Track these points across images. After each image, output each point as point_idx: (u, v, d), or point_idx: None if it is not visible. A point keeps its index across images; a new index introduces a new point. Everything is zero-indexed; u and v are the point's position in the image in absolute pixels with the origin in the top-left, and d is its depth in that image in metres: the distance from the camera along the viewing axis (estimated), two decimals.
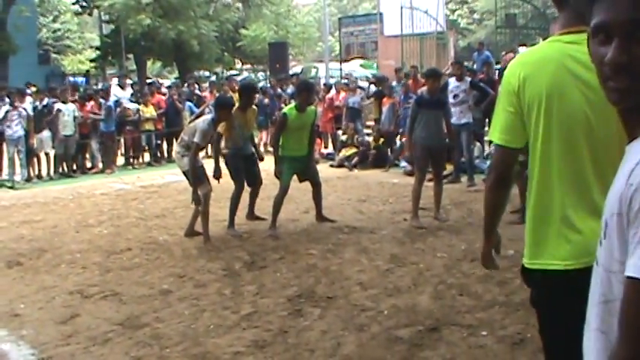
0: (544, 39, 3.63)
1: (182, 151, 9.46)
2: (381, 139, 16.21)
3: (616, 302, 1.43)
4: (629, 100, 1.50)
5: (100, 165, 17.36)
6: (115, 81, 24.57)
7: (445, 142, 10.50)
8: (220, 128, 9.48)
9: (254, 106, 10.48)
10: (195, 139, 9.00)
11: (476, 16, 53.39)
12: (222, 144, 9.91)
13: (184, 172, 9.50)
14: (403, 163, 14.91)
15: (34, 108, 16.55)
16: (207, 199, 9.20)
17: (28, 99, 16.96)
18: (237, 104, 9.89)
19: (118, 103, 18.16)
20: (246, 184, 9.92)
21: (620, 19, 1.48)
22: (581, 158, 2.61)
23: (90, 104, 17.33)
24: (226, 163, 9.80)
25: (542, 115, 2.68)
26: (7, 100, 15.99)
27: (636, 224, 1.36)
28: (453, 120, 12.68)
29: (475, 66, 20.51)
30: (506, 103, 2.81)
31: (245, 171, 9.83)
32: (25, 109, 15.72)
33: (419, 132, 10.12)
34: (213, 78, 25.65)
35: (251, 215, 10.32)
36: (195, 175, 9.10)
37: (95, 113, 17.07)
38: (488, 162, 13.75)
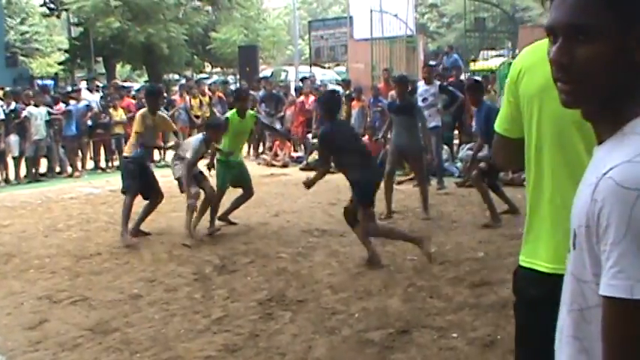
0: (512, 43, 3.67)
1: (176, 161, 9.89)
2: None
3: (591, 310, 1.44)
4: (576, 102, 1.53)
5: (69, 169, 17.24)
6: (84, 84, 24.37)
7: (419, 145, 10.57)
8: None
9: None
10: (187, 155, 9.42)
11: (445, 19, 53.59)
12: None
13: (176, 179, 9.85)
14: None
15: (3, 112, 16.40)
16: (193, 206, 9.66)
17: None
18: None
19: (89, 107, 18.02)
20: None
21: (563, 21, 1.51)
22: (575, 151, 2.62)
23: (57, 107, 17.24)
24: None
25: (535, 108, 2.70)
26: None
27: (605, 240, 1.37)
28: (434, 124, 12.77)
29: (442, 70, 20.62)
30: (508, 93, 2.85)
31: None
32: None
33: (392, 136, 10.29)
34: (183, 81, 25.49)
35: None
36: (185, 185, 9.53)
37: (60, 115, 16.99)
38: (458, 164, 13.85)
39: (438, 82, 13.40)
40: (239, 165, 10.22)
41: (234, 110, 10.26)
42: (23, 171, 16.60)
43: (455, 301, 6.46)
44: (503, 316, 5.76)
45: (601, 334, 1.39)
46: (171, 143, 10.90)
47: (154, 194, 9.97)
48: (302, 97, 19.17)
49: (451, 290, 6.78)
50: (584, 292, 1.47)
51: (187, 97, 19.54)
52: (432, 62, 19.47)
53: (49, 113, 16.64)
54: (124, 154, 10.16)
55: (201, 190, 9.70)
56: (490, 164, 9.32)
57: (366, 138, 15.36)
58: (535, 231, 2.72)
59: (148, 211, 10.01)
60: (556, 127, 2.65)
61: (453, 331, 5.64)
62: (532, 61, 2.75)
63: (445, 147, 14.44)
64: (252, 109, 12.17)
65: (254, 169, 13.01)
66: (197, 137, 9.97)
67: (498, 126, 2.91)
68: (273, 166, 16.94)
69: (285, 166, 17.00)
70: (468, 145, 13.51)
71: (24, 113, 16.13)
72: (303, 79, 22.56)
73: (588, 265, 1.44)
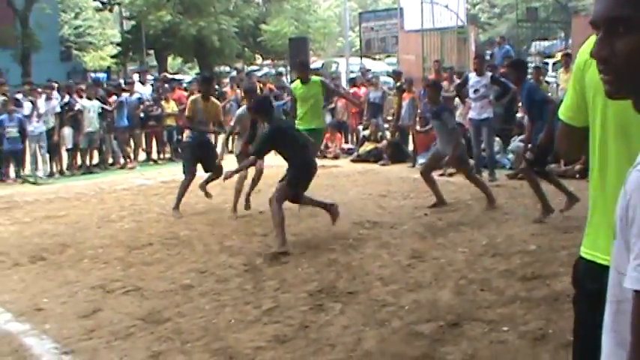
0: (566, 33, 3.62)
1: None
2: (396, 134, 16.21)
3: (626, 302, 1.42)
4: (618, 93, 1.55)
5: (122, 160, 17.45)
6: (136, 77, 24.62)
7: (451, 148, 10.41)
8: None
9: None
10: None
11: (496, 10, 53.07)
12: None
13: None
14: (421, 160, 14.85)
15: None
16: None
17: (55, 94, 17.01)
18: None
19: (141, 99, 18.22)
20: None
21: (604, 14, 1.52)
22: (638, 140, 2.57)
23: (110, 100, 17.46)
24: None
25: (600, 99, 2.66)
26: (29, 98, 16.17)
27: (632, 232, 1.37)
28: (474, 115, 12.68)
29: (495, 60, 20.42)
30: (574, 80, 2.81)
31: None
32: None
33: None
34: (234, 74, 25.60)
35: None
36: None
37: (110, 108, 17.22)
38: (510, 156, 13.71)
39: (490, 74, 13.26)
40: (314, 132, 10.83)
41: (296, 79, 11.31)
42: (77, 163, 16.86)
43: (506, 294, 6.39)
44: (555, 309, 5.69)
45: (630, 327, 1.38)
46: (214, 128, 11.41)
47: (214, 169, 10.94)
48: (354, 89, 19.13)
49: (502, 283, 6.71)
50: (621, 283, 1.44)
51: (238, 90, 19.61)
52: (486, 53, 19.21)
53: (102, 106, 16.86)
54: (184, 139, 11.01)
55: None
56: (536, 153, 9.19)
57: (418, 129, 15.31)
58: (596, 222, 2.67)
59: (209, 179, 11.08)
60: (621, 118, 2.60)
61: (504, 325, 5.58)
62: None
63: (497, 139, 14.31)
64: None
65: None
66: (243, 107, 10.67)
67: (562, 113, 2.87)
68: (325, 157, 16.92)
69: (336, 157, 16.98)
70: (520, 137, 13.36)
71: (77, 106, 16.38)
72: (363, 71, 22.47)
73: (625, 256, 1.43)
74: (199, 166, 11.05)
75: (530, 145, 10.00)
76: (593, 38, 2.90)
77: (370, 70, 23.12)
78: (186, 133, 11.24)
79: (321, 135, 12.38)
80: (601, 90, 2.65)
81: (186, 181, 10.95)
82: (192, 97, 11.40)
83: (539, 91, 9.57)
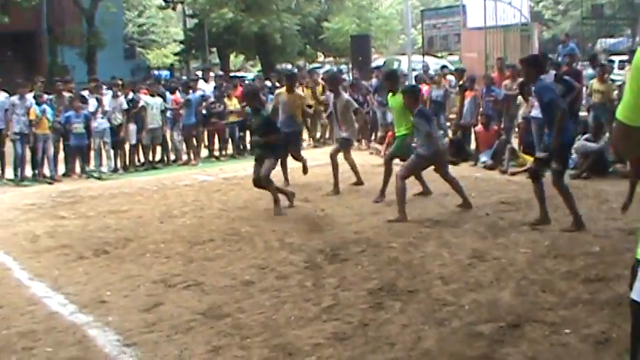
0: (632, 30, 3.56)
1: None
2: (458, 132, 16.08)
3: None
4: None
5: (184, 157, 17.63)
6: (199, 74, 24.87)
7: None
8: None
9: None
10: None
11: (561, 7, 52.27)
12: None
13: None
14: (483, 158, 14.72)
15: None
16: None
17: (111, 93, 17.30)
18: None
19: (204, 97, 18.37)
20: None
21: None
22: None
23: (174, 97, 17.66)
24: None
25: None
26: (94, 95, 16.46)
27: None
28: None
29: (560, 59, 20.12)
30: (631, 80, 2.76)
31: None
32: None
33: None
34: (296, 71, 25.71)
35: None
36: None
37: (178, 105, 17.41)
38: (574, 155, 13.50)
39: (553, 72, 13.06)
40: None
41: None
42: (140, 159, 17.10)
43: (568, 296, 6.30)
44: (619, 313, 5.58)
45: None
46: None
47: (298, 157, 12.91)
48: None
49: (565, 285, 6.61)
50: None
51: (300, 87, 19.65)
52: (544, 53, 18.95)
53: (164, 103, 17.09)
54: None
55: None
56: (550, 152, 8.96)
57: (479, 127, 15.17)
58: None
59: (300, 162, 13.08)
60: None
61: (566, 327, 5.50)
62: None
63: None
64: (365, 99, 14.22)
65: (366, 159, 13.01)
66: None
67: (620, 113, 2.81)
68: (384, 155, 16.83)
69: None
70: (585, 136, 13.16)
71: (141, 103, 16.61)
72: (442, 67, 22.32)
73: None
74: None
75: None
76: None
77: (445, 67, 22.85)
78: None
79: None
80: None
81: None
82: (277, 91, 13.44)
83: (548, 89, 9.18)
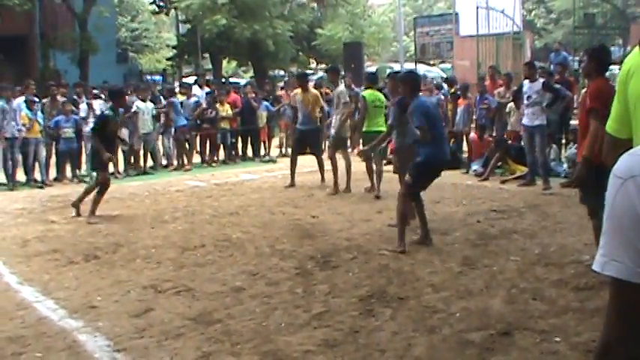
0: (624, 40, 3.59)
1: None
2: (452, 140, 16.10)
3: None
4: None
5: (175, 162, 17.63)
6: (193, 80, 24.87)
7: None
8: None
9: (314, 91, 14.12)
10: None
11: (553, 15, 52.50)
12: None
13: None
14: (475, 166, 14.76)
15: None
16: None
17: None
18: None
19: (198, 102, 18.39)
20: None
21: None
22: None
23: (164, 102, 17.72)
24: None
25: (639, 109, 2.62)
26: (82, 99, 16.46)
27: None
28: (526, 121, 12.59)
29: (552, 67, 20.18)
30: (618, 92, 2.79)
31: None
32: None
33: None
34: (307, 72, 25.76)
35: None
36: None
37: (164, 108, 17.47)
38: (564, 165, 13.54)
39: (542, 80, 13.14)
40: None
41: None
42: (131, 164, 17.08)
43: (558, 304, 6.32)
44: None
45: None
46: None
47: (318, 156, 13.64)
48: None
49: (555, 293, 6.63)
50: None
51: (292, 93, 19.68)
52: (536, 62, 19.02)
53: (155, 108, 17.12)
54: None
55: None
56: None
57: (473, 136, 15.21)
58: None
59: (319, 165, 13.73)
60: None
61: (556, 335, 5.51)
62: (638, 63, 2.67)
63: (553, 146, 14.17)
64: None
65: (357, 165, 13.01)
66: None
67: (609, 126, 2.84)
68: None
69: (389, 163, 16.89)
70: (576, 145, 13.20)
71: (133, 108, 16.60)
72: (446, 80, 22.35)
73: None
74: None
75: None
76: (636, 49, 2.86)
77: (432, 78, 22.93)
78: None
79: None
80: None
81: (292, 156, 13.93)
82: (293, 91, 14.71)
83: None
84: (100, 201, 11.14)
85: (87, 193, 11.40)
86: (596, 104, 6.70)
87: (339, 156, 12.88)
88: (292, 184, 13.51)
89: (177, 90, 19.73)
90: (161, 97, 18.13)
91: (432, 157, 8.56)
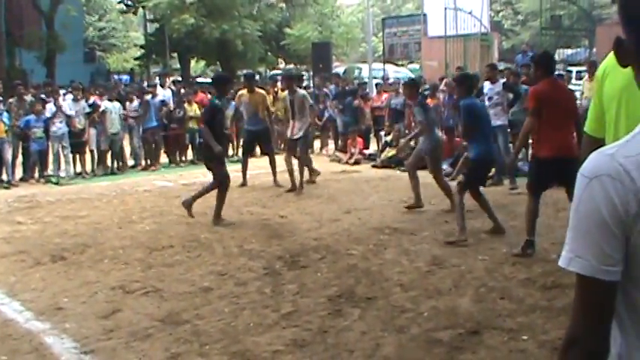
0: (590, 41, 3.64)
1: None
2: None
3: None
4: None
5: (143, 162, 17.53)
6: (157, 80, 24.74)
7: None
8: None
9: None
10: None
11: (520, 17, 52.91)
12: None
13: None
14: (444, 166, 14.79)
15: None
16: None
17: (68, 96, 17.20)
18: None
19: (164, 102, 18.30)
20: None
21: None
22: None
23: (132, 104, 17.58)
24: None
25: (614, 108, 2.66)
26: (50, 98, 16.31)
27: None
28: (499, 122, 12.69)
29: (519, 69, 20.32)
30: (596, 93, 2.83)
31: None
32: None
33: None
34: (257, 77, 25.64)
35: None
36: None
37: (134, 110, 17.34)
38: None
39: (502, 81, 13.35)
40: None
41: None
42: (99, 164, 16.97)
43: (526, 303, 6.36)
44: None
45: None
46: None
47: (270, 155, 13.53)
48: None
49: (522, 292, 6.68)
50: None
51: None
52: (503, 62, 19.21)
53: (122, 108, 17.03)
54: None
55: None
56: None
57: (442, 136, 15.26)
58: None
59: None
60: (633, 126, 2.60)
61: (524, 334, 5.56)
62: (613, 64, 2.71)
63: None
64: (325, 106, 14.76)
65: (326, 166, 13.04)
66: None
67: (587, 126, 2.88)
68: (346, 163, 16.89)
69: (357, 163, 16.95)
70: None
71: (102, 107, 16.50)
72: (386, 77, 22.41)
73: None
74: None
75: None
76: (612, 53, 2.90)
77: (395, 78, 23.03)
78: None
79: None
80: (615, 100, 2.66)
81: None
82: (239, 92, 14.51)
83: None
84: (224, 200, 10.47)
85: (203, 193, 10.69)
86: (531, 104, 7.96)
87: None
88: (244, 184, 13.62)
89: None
90: (134, 97, 17.94)
91: (484, 153, 9.13)
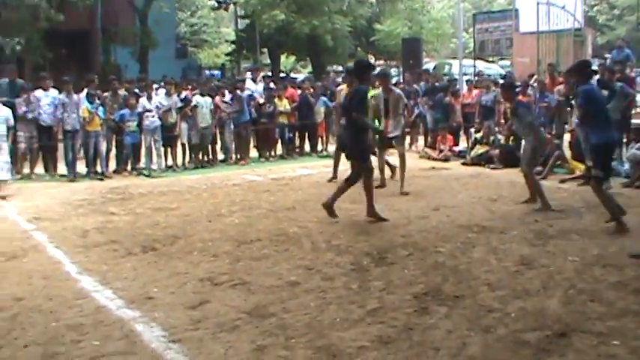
0: None
1: None
2: (512, 138, 15.92)
3: None
4: None
5: (234, 156, 17.74)
6: (248, 75, 24.97)
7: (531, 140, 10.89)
8: None
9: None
10: None
11: (616, 11, 51.61)
12: None
13: None
14: None
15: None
16: None
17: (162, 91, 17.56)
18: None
19: (251, 96, 18.49)
20: None
21: None
22: None
23: (223, 97, 17.80)
24: None
25: None
26: (144, 93, 16.68)
27: None
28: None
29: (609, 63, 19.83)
30: None
31: None
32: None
33: None
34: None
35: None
36: None
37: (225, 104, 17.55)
38: (626, 165, 13.30)
39: (597, 77, 12.92)
40: None
41: None
42: (190, 157, 17.26)
43: (617, 306, 6.21)
44: None
45: None
46: None
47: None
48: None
49: (613, 295, 6.52)
50: None
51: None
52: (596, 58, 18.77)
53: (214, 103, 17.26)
54: None
55: None
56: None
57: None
58: None
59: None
60: None
61: (615, 338, 5.42)
62: None
63: None
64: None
65: (415, 162, 12.96)
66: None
67: None
68: (435, 160, 16.78)
69: (446, 160, 16.81)
70: (638, 145, 12.95)
71: (193, 102, 16.78)
72: (478, 73, 22.16)
73: None
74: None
75: None
76: None
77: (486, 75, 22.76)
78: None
79: None
80: None
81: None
82: (339, 87, 14.78)
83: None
84: (372, 190, 10.22)
85: (343, 190, 10.19)
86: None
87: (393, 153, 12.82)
88: (334, 177, 13.50)
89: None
90: (225, 91, 18.16)
91: (604, 137, 9.15)
